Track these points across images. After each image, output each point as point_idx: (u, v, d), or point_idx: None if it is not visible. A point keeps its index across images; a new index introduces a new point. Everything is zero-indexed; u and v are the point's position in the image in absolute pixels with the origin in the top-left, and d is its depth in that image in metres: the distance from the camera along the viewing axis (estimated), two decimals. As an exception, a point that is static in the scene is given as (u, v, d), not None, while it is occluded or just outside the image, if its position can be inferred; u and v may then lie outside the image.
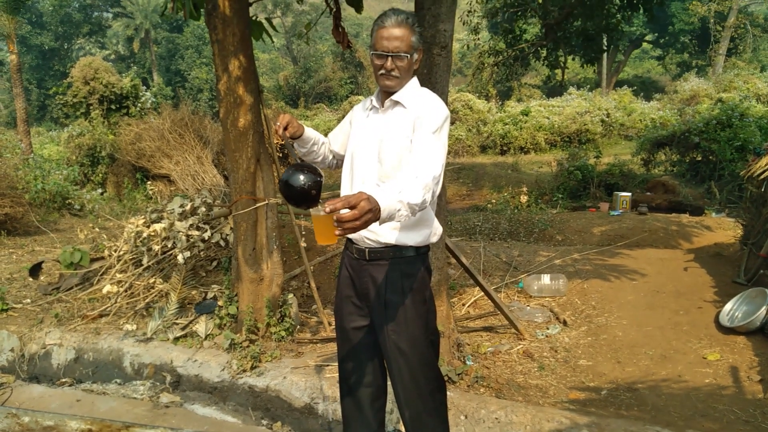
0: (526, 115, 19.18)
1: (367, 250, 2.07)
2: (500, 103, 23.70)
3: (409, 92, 2.08)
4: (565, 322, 4.38)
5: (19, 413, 2.32)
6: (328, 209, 1.54)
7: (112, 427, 2.15)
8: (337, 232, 1.55)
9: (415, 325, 2.09)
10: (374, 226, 1.69)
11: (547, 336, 4.19)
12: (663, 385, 3.36)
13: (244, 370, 3.77)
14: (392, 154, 2.04)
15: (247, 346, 3.96)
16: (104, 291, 4.84)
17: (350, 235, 2.02)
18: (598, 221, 7.70)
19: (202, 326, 4.29)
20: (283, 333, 4.12)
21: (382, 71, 2.01)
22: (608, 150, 15.78)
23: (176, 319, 4.41)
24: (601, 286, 5.02)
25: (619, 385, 3.41)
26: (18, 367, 4.18)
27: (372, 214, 1.57)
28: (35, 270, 5.11)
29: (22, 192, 7.85)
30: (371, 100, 2.18)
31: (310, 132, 2.21)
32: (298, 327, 4.35)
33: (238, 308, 4.21)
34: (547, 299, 4.89)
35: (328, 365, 3.75)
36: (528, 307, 4.73)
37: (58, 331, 4.37)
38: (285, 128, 2.07)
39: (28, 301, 4.90)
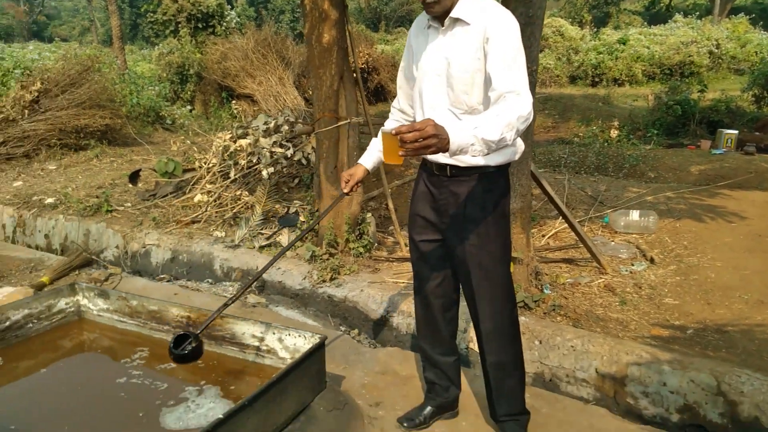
0: (624, 44, 17.69)
1: (448, 166, 2.02)
2: (595, 30, 21.96)
3: (468, 6, 1.90)
4: (652, 260, 4.19)
5: (128, 297, 2.55)
6: (394, 131, 1.55)
7: (209, 315, 2.31)
8: (400, 153, 1.55)
9: (495, 241, 2.05)
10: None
11: (631, 272, 4.03)
12: (757, 330, 3.17)
13: (324, 281, 3.92)
14: (462, 78, 1.91)
15: (327, 259, 4.11)
16: (195, 200, 5.13)
17: (430, 157, 1.99)
18: (697, 159, 7.14)
19: (284, 238, 4.47)
20: (360, 249, 4.22)
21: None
22: (714, 84, 14.38)
23: (261, 229, 4.63)
24: (695, 226, 4.72)
25: (707, 326, 3.25)
26: (122, 262, 4.58)
27: (437, 140, 1.52)
28: (134, 177, 5.47)
29: (120, 105, 8.30)
30: (427, 19, 2.01)
31: (370, 160, 2.28)
32: (375, 245, 4.44)
33: (319, 223, 4.34)
34: (633, 236, 4.67)
35: (403, 282, 3.83)
36: (612, 243, 4.55)
37: (156, 233, 4.71)
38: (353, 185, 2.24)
39: (129, 205, 5.29)
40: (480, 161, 1.96)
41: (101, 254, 4.61)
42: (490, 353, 2.11)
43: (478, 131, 1.61)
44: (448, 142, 1.55)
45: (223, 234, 4.64)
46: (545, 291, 3.58)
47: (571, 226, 4.04)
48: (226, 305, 2.00)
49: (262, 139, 5.20)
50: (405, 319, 3.56)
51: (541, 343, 3.17)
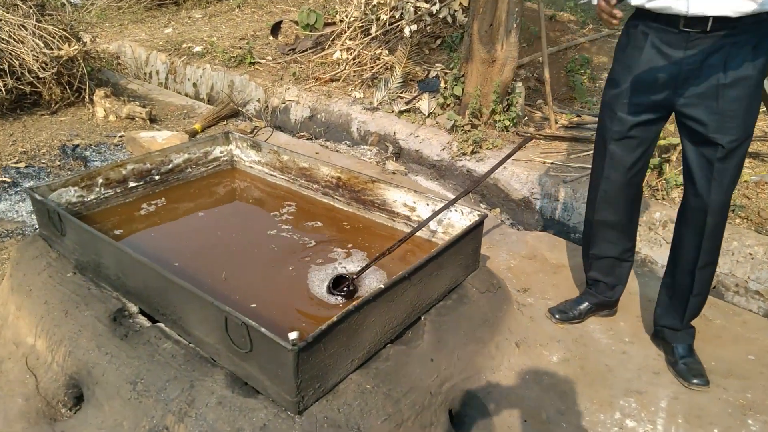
0: None
1: (709, 19, 1.56)
2: None
3: None
4: None
5: (279, 151, 2.53)
6: None
7: (360, 179, 2.22)
8: None
9: (746, 119, 1.63)
10: None
11: (836, 177, 3.35)
12: None
13: (464, 154, 3.70)
14: None
15: (469, 130, 3.84)
16: (334, 57, 4.96)
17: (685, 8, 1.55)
18: None
19: (425, 103, 4.23)
20: (506, 122, 3.88)
21: None
22: None
23: (400, 92, 4.40)
24: None
25: None
26: (264, 116, 4.66)
27: None
28: (275, 29, 5.37)
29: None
30: None
31: None
32: (523, 120, 4.07)
33: (463, 90, 4.01)
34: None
35: (551, 163, 3.50)
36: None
37: (296, 89, 4.67)
38: None
39: (270, 58, 5.25)
40: (754, 6, 1.48)
41: (245, 107, 4.70)
42: (706, 252, 1.77)
43: None
44: None
45: (361, 95, 4.49)
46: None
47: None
48: (402, 241, 1.86)
49: (406, -7, 4.76)
50: (551, 203, 3.29)
51: (712, 246, 2.78)
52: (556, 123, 4.06)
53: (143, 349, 1.64)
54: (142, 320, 1.78)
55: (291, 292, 1.87)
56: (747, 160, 3.60)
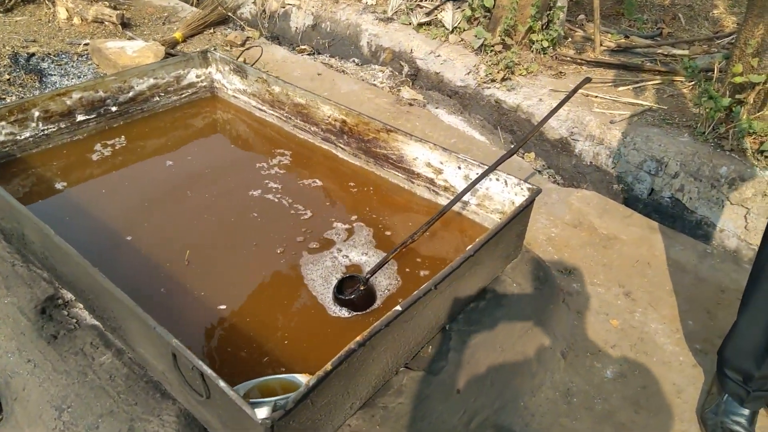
0: None
1: None
2: None
3: None
4: None
5: (270, 80, 1.99)
6: None
7: (371, 125, 1.72)
8: None
9: None
10: None
11: None
12: None
13: (493, 80, 3.12)
14: None
15: (500, 51, 3.22)
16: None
17: None
18: None
19: (448, 15, 3.56)
20: (545, 43, 3.25)
21: None
22: None
23: (420, 1, 3.72)
24: None
25: None
26: (259, 22, 3.99)
27: None
28: None
29: None
30: None
31: None
32: (564, 41, 3.43)
33: (495, 1, 3.34)
34: None
35: (597, 97, 2.94)
36: None
37: (296, -10, 3.97)
38: None
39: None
40: None
41: (237, 11, 4.03)
42: None
43: None
44: None
45: (374, 1, 3.81)
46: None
47: None
48: (429, 224, 1.37)
49: None
50: (594, 146, 2.77)
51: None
52: (601, 45, 3.43)
53: (75, 362, 1.23)
54: (79, 313, 1.36)
55: (277, 292, 1.42)
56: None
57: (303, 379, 1.08)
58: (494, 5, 3.35)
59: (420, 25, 3.54)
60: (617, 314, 1.68)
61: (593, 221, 2.08)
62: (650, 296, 1.73)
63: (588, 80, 2.07)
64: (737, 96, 2.56)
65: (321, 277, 1.44)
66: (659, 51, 3.38)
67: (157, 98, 2.08)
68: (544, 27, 3.29)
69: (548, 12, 3.29)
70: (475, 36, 3.31)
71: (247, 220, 1.62)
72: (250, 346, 1.23)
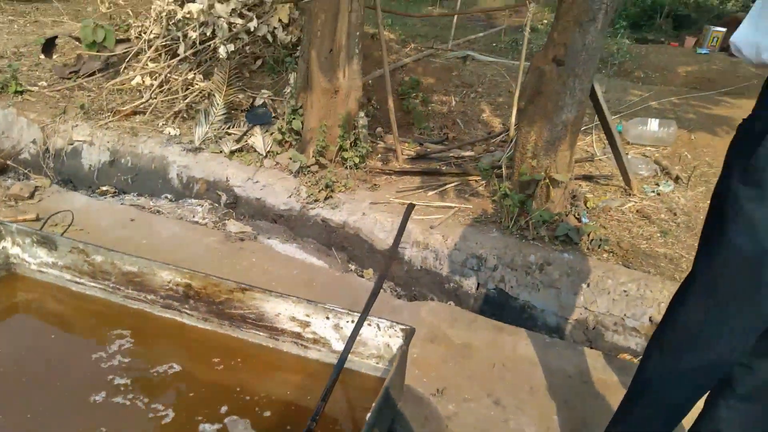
0: None
1: None
2: None
3: None
4: (677, 179, 3.79)
5: (88, 250, 1.75)
6: None
7: (222, 287, 1.60)
8: None
9: None
10: None
11: (658, 194, 3.62)
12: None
13: (316, 200, 3.21)
14: None
15: (317, 171, 3.36)
16: (134, 83, 4.05)
17: None
18: (683, 59, 6.69)
19: (258, 140, 3.62)
20: (357, 159, 3.48)
21: None
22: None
23: (227, 128, 3.72)
24: (711, 139, 4.33)
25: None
26: (44, 164, 3.57)
27: None
28: (48, 47, 4.21)
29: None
30: None
31: None
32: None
33: (303, 124, 3.51)
34: (648, 148, 4.23)
35: (415, 205, 3.20)
36: (629, 156, 4.09)
37: (87, 126, 3.68)
38: None
39: (44, 83, 4.10)
40: None
41: (18, 156, 3.56)
42: None
43: None
44: None
45: (178, 132, 3.70)
46: (584, 220, 3.10)
47: (609, 137, 3.51)
48: (325, 398, 1.29)
49: (218, 5, 4.07)
50: (420, 251, 2.98)
51: (588, 286, 2.74)
52: (402, 154, 3.80)
53: None
54: None
55: None
56: (582, 183, 3.74)
57: None
58: (303, 128, 3.50)
59: (232, 152, 3.52)
60: (494, 426, 1.76)
61: (446, 332, 2.20)
62: (516, 399, 1.87)
63: (413, 206, 2.25)
64: (526, 192, 3.01)
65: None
66: (451, 154, 3.86)
67: (-64, 293, 1.69)
68: (352, 145, 3.53)
69: (354, 131, 3.55)
70: (291, 159, 3.41)
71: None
72: None
